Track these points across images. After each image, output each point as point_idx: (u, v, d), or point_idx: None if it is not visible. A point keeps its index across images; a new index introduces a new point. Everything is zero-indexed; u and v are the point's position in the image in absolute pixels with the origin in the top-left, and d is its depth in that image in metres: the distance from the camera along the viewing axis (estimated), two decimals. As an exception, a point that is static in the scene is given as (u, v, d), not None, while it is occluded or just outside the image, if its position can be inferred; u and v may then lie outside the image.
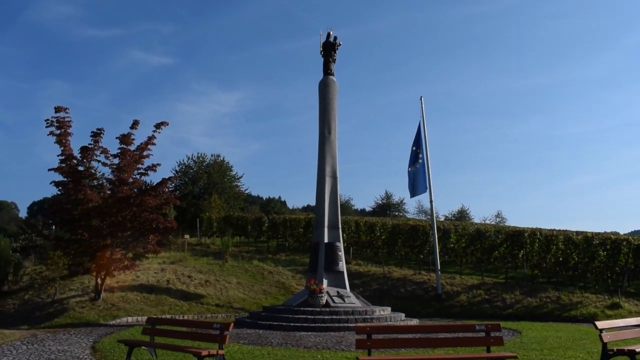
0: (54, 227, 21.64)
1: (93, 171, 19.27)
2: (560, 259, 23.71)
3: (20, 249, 25.50)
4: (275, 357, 9.64)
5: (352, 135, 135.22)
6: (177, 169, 53.51)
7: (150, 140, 19.26)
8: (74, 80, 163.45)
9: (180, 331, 9.19)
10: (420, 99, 24.28)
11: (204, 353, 7.77)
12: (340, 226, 18.25)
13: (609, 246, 22.48)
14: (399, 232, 28.43)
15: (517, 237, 24.38)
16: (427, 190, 23.67)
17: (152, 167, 19.30)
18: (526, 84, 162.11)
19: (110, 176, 19.10)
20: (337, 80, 19.33)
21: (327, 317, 15.06)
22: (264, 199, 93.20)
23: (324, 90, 18.89)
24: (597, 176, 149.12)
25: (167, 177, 19.55)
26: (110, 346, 10.83)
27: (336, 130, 18.80)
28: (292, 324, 14.58)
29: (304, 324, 14.56)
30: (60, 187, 18.36)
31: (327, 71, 19.13)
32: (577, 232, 33.02)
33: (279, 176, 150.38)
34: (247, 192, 61.23)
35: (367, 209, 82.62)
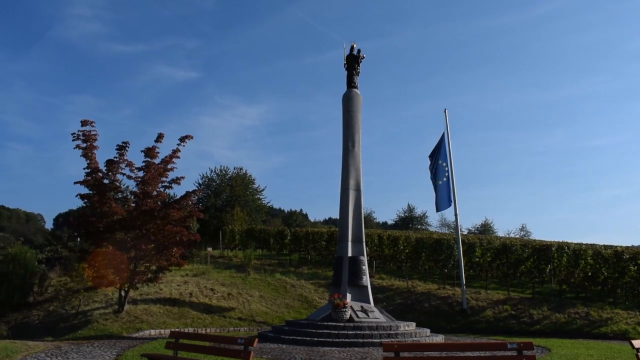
0: (78, 239, 21.80)
1: (118, 184, 19.37)
2: (589, 274, 23.15)
3: (45, 260, 25.82)
4: (300, 374, 9.46)
5: (374, 148, 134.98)
6: (200, 181, 53.91)
7: (174, 153, 19.33)
8: (99, 95, 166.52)
9: (203, 346, 9.08)
10: (444, 111, 24.11)
11: (228, 369, 7.64)
12: (364, 240, 18.03)
13: (640, 261, 21.87)
14: (423, 246, 28.08)
15: (544, 252, 23.88)
16: (452, 204, 23.41)
17: (176, 180, 19.34)
18: (550, 97, 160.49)
19: (135, 189, 19.19)
20: (360, 93, 19.24)
21: (350, 332, 14.81)
22: (286, 211, 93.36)
23: (348, 103, 18.79)
24: (622, 189, 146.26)
25: (191, 190, 19.59)
26: (134, 359, 10.76)
27: (360, 143, 18.67)
28: (315, 339, 14.37)
29: (328, 339, 14.34)
30: (85, 200, 18.50)
31: (350, 84, 19.04)
32: (606, 246, 32.30)
33: (300, 189, 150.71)
34: (269, 204, 61.30)
35: (389, 222, 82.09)
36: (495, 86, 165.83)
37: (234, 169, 55.99)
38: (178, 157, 19.48)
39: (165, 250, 18.27)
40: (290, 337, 14.75)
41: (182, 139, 19.42)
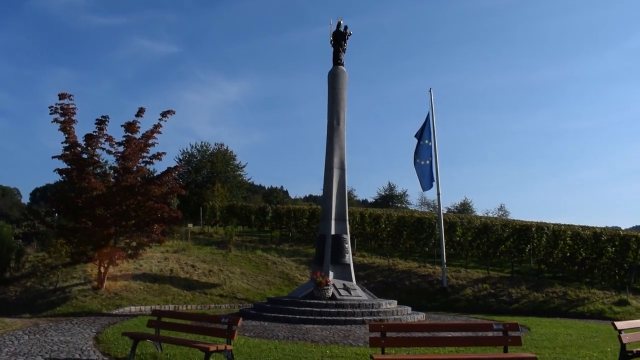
0: (56, 214, 21.41)
1: (97, 159, 18.98)
2: (568, 255, 23.45)
3: (22, 236, 25.35)
4: (284, 353, 9.40)
5: (355, 127, 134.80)
6: (181, 157, 53.35)
7: (156, 128, 18.97)
8: (78, 68, 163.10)
9: (186, 325, 8.95)
10: (430, 91, 24.00)
11: (212, 349, 7.54)
12: (347, 218, 17.98)
13: (618, 242, 22.21)
14: (404, 225, 28.18)
15: (524, 232, 24.10)
16: (435, 183, 23.46)
17: (158, 156, 19.02)
18: (532, 79, 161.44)
19: (115, 164, 18.84)
20: (346, 70, 19.00)
21: (333, 310, 14.83)
22: (267, 188, 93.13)
23: (333, 81, 18.55)
24: (600, 171, 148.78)
25: (172, 166, 19.31)
26: (114, 337, 10.61)
27: (345, 121, 18.49)
28: (297, 317, 14.36)
29: (310, 317, 14.34)
30: (64, 175, 18.11)
31: (336, 61, 18.78)
32: (583, 227, 32.77)
33: (281, 166, 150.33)
34: (250, 181, 61.03)
35: (370, 199, 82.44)
36: (477, 66, 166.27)
37: (215, 145, 55.53)
38: (159, 133, 19.16)
39: (146, 226, 18.03)
40: (272, 315, 14.72)
41: (164, 114, 19.07)
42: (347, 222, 18.05)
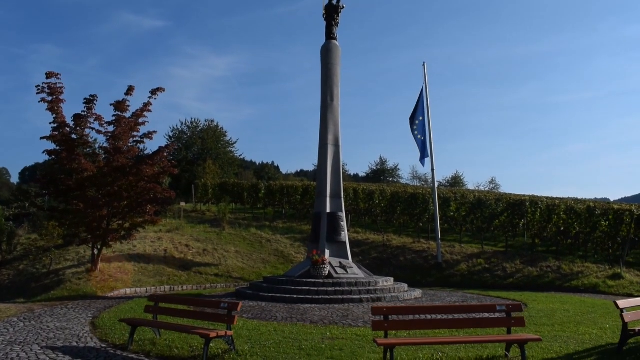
0: (47, 196, 21.10)
1: (87, 139, 18.61)
2: (562, 229, 23.50)
3: (13, 217, 25.04)
4: (283, 335, 9.31)
5: (345, 101, 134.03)
6: (171, 134, 52.89)
7: (146, 106, 18.60)
8: (64, 44, 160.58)
9: (185, 310, 8.82)
10: (423, 65, 23.67)
11: (212, 335, 7.40)
12: (342, 196, 17.82)
13: (611, 216, 22.23)
14: (398, 200, 28.12)
15: (518, 207, 24.09)
16: (429, 159, 23.35)
17: (149, 135, 18.70)
18: (521, 52, 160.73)
19: (105, 144, 18.50)
20: (339, 44, 18.65)
21: (330, 288, 14.76)
22: (258, 164, 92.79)
23: (327, 56, 18.20)
24: (588, 144, 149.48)
25: (163, 144, 19.00)
26: (111, 323, 10.46)
27: (339, 97, 18.19)
28: (295, 296, 14.30)
29: (307, 296, 14.28)
30: (53, 156, 17.77)
31: (329, 35, 18.40)
32: (576, 200, 32.89)
33: (272, 141, 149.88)
34: (241, 157, 60.69)
35: (361, 174, 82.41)
36: (468, 40, 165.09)
37: (205, 121, 55.13)
38: (150, 111, 18.80)
39: (139, 207, 17.79)
40: (269, 295, 14.65)
41: (154, 92, 18.70)
42: (343, 200, 17.90)
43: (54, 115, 17.66)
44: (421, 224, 27.15)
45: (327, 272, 15.81)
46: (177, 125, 54.17)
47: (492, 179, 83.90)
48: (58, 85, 17.73)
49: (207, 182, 36.20)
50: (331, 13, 18.50)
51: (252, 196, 33.40)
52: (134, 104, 18.59)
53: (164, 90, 18.80)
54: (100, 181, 17.56)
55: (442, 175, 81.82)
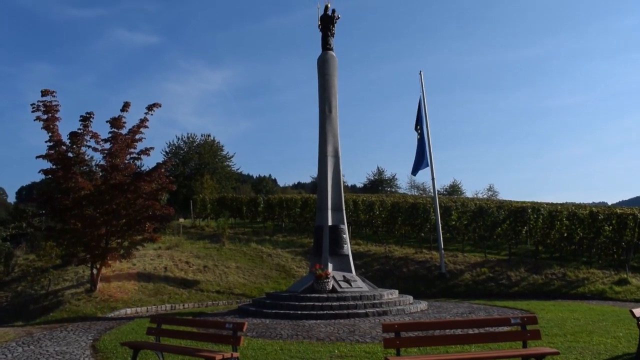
0: (44, 216, 20.81)
1: (84, 157, 18.37)
2: (565, 235, 23.28)
3: (10, 238, 24.71)
4: (290, 354, 9.05)
5: (341, 111, 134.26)
6: (167, 149, 52.63)
7: (142, 122, 18.40)
8: (58, 63, 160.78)
9: (188, 331, 8.55)
10: (420, 73, 23.58)
11: (218, 357, 7.13)
12: (344, 208, 17.59)
13: (615, 221, 22.05)
14: (399, 211, 27.90)
15: (520, 214, 23.88)
16: (429, 167, 23.18)
17: (146, 151, 18.49)
18: (514, 57, 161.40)
19: (102, 162, 18.27)
20: (335, 55, 18.51)
21: (334, 303, 14.48)
22: (255, 177, 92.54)
23: (323, 67, 18.04)
24: (584, 147, 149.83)
25: (160, 160, 18.80)
26: (112, 345, 10.18)
27: (337, 108, 18.02)
28: (299, 312, 14.01)
29: (312, 312, 13.99)
30: (49, 175, 17.52)
31: (325, 46, 18.25)
32: (577, 206, 32.69)
33: (268, 154, 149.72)
34: (238, 171, 60.45)
35: (359, 185, 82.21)
36: (460, 46, 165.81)
37: (202, 135, 54.85)
38: (146, 127, 18.60)
39: (137, 225, 17.52)
40: (273, 311, 14.35)
41: (150, 107, 18.51)
42: (344, 212, 17.67)
43: (50, 134, 17.44)
44: (423, 234, 26.92)
45: (330, 286, 15.54)
46: (173, 141, 54.00)
47: (490, 186, 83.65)
48: (53, 103, 17.54)
49: (205, 197, 35.91)
50: (326, 24, 18.37)
51: (251, 210, 33.14)
52: (130, 120, 18.40)
53: (160, 106, 18.64)
54: (98, 199, 17.31)
55: (440, 183, 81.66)
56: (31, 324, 14.61)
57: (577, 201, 43.98)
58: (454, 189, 75.55)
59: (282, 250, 25.79)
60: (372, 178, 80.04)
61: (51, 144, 17.48)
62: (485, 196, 73.51)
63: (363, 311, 14.14)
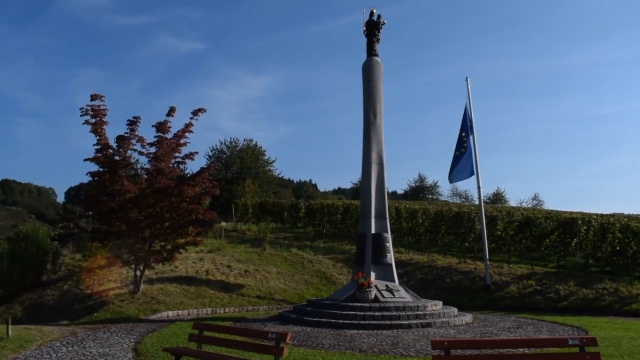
0: (90, 218, 21.22)
1: (129, 161, 18.64)
2: (617, 248, 22.32)
3: (58, 237, 25.32)
4: (332, 366, 8.82)
5: (384, 117, 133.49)
6: (210, 154, 53.26)
7: (187, 127, 18.56)
8: (106, 68, 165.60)
9: (231, 340, 8.41)
10: (466, 80, 23.03)
11: (260, 368, 6.97)
12: (387, 216, 17.27)
13: (672, 234, 21.02)
14: (442, 219, 27.34)
15: (569, 225, 23.04)
16: (475, 175, 22.60)
17: (190, 156, 18.61)
18: (564, 63, 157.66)
19: (147, 165, 18.48)
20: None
21: (377, 313, 14.17)
22: (295, 182, 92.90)
23: (368, 72, 17.80)
24: (635, 157, 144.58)
25: (203, 164, 18.95)
26: (154, 349, 10.16)
27: (382, 114, 17.74)
28: (340, 321, 13.75)
29: (354, 321, 13.71)
30: (96, 178, 17.82)
31: (370, 52, 18.01)
32: (630, 217, 31.40)
33: (309, 159, 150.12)
34: (280, 176, 60.67)
35: (399, 191, 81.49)
36: (508, 53, 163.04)
37: (244, 140, 55.28)
38: (191, 132, 18.75)
39: (181, 229, 17.63)
40: (314, 319, 14.14)
41: (195, 112, 18.63)
42: (388, 220, 17.35)
43: (97, 137, 17.75)
44: (467, 244, 26.31)
45: (373, 296, 15.23)
46: (216, 145, 54.64)
47: (535, 195, 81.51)
48: (102, 108, 17.85)
49: (247, 202, 36.10)
50: (372, 29, 18.13)
51: (292, 215, 33.10)
52: (175, 125, 18.53)
53: (205, 111, 18.75)
54: (143, 202, 17.50)
55: (483, 192, 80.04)
56: (75, 323, 14.84)
57: (627, 212, 42.29)
58: (497, 198, 74.02)
59: (323, 257, 25.60)
60: (414, 185, 79.24)
61: (98, 147, 17.79)
62: (530, 205, 71.76)
63: (406, 322, 13.78)
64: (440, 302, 16.36)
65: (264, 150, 55.63)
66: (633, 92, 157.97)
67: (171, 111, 18.53)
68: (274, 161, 56.21)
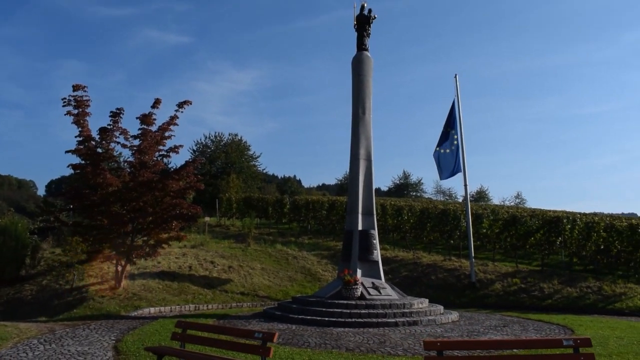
0: (71, 211, 20.76)
1: (112, 153, 18.22)
2: (602, 247, 22.40)
3: (37, 231, 24.78)
4: (319, 365, 8.60)
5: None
6: (195, 148, 52.77)
7: (172, 120, 18.20)
8: (89, 60, 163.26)
9: (215, 339, 8.15)
10: (455, 77, 22.93)
11: (246, 369, 6.73)
12: (374, 212, 17.08)
13: (656, 234, 21.11)
14: (428, 217, 27.26)
15: (554, 224, 23.07)
16: (461, 173, 22.55)
17: (175, 149, 18.26)
18: (545, 64, 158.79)
19: (130, 158, 18.09)
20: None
21: (363, 311, 14.00)
22: (280, 177, 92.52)
23: (358, 67, 17.57)
24: (614, 157, 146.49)
25: (187, 159, 18.61)
26: (135, 348, 9.85)
27: (371, 110, 17.52)
28: (326, 319, 13.53)
29: (340, 319, 13.52)
30: (78, 170, 17.39)
31: (361, 46, 17.78)
32: (612, 216, 31.63)
33: (294, 154, 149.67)
34: (264, 171, 60.35)
35: (383, 188, 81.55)
36: (490, 52, 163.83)
37: (229, 135, 54.93)
38: (176, 124, 18.41)
39: (164, 223, 17.28)
40: (299, 317, 13.90)
41: (180, 105, 18.28)
42: (375, 217, 17.16)
43: (80, 129, 17.32)
44: (452, 241, 26.25)
45: (359, 293, 15.05)
46: (201, 139, 54.15)
47: (518, 194, 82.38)
48: (84, 98, 17.42)
49: (231, 197, 35.76)
50: (363, 24, 17.91)
51: (277, 211, 32.85)
52: (159, 118, 18.16)
53: (190, 103, 18.40)
54: (125, 196, 17.12)
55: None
56: (54, 319, 14.44)
57: (606, 211, 42.74)
58: (480, 196, 74.49)
59: (308, 253, 25.39)
60: (398, 182, 79.43)
61: (81, 139, 17.37)
62: (512, 203, 72.35)
63: (393, 320, 13.63)
64: (427, 300, 16.25)
65: (249, 145, 55.33)
66: (612, 93, 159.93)
67: (156, 103, 18.16)
68: (258, 156, 55.96)
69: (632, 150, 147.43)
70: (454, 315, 15.26)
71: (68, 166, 17.43)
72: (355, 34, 17.97)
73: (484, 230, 25.30)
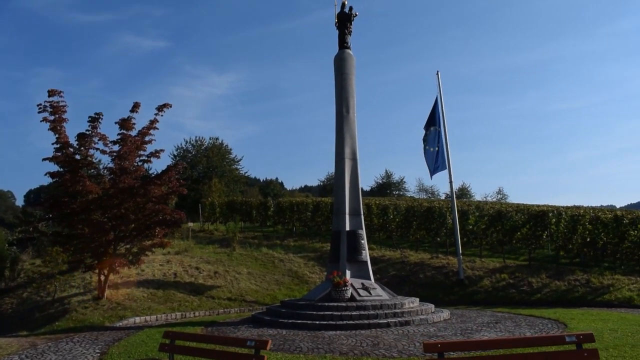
0: (51, 221, 20.23)
1: (91, 160, 17.75)
2: (588, 240, 22.46)
3: (16, 242, 24.19)
4: (314, 372, 8.33)
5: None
6: (175, 153, 52.22)
7: (152, 124, 17.79)
8: (66, 67, 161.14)
9: (205, 348, 7.85)
10: (437, 74, 22.82)
11: (240, 379, 6.44)
12: (362, 212, 16.86)
13: (641, 225, 21.21)
14: (414, 215, 27.15)
15: (540, 218, 23.08)
16: (446, 170, 22.46)
17: (156, 154, 17.86)
18: (521, 60, 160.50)
19: (110, 165, 17.64)
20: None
21: (354, 312, 13.75)
22: (262, 180, 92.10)
23: (341, 65, 17.34)
24: (592, 151, 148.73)
25: (168, 164, 18.19)
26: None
27: (355, 108, 17.31)
28: (317, 322, 13.25)
29: (331, 322, 13.24)
30: (56, 179, 16.89)
31: (342, 44, 17.55)
32: (595, 208, 31.83)
33: (275, 157, 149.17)
34: (246, 174, 59.97)
35: (366, 188, 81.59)
36: (469, 50, 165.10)
37: (210, 139, 54.51)
38: (156, 129, 18.00)
39: (147, 230, 16.87)
40: (289, 321, 13.61)
41: (160, 108, 17.89)
42: (362, 216, 16.94)
43: (57, 135, 16.83)
44: (439, 239, 26.15)
45: (349, 295, 14.80)
46: (181, 144, 53.60)
47: (500, 189, 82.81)
48: (61, 104, 16.94)
49: (214, 201, 35.33)
50: (344, 21, 17.68)
51: (261, 214, 32.51)
52: (139, 123, 17.72)
53: (170, 106, 18.02)
54: (106, 203, 16.68)
55: (448, 187, 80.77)
56: (36, 333, 13.96)
57: (585, 204, 43.12)
58: (463, 192, 74.89)
59: (294, 255, 25.09)
60: (381, 181, 79.48)
61: (58, 145, 16.88)
62: (494, 199, 72.75)
63: (384, 321, 13.39)
64: (417, 299, 16.06)
65: (230, 149, 54.95)
66: (588, 87, 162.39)
67: (135, 107, 17.74)
68: (240, 160, 55.57)
69: (609, 144, 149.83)
70: (445, 314, 15.08)
71: (46, 174, 16.96)
72: (337, 32, 17.74)
73: (470, 227, 25.25)
